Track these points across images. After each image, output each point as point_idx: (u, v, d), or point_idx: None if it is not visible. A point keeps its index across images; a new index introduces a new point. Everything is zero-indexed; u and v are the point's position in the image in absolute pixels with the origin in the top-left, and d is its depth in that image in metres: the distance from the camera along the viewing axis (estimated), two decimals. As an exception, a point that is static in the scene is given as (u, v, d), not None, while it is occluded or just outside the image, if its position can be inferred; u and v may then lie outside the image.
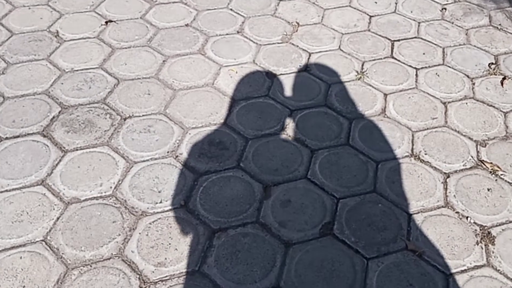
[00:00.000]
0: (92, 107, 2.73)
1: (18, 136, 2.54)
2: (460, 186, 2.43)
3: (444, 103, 2.89)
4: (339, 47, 3.29)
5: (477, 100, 2.92)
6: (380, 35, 3.43)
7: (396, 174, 2.46)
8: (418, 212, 2.30)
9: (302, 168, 2.46)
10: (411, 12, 3.67)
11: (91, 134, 2.57)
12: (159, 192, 2.32)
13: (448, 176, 2.47)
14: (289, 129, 2.66)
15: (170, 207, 2.26)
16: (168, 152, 2.51)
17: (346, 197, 2.34)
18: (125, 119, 2.67)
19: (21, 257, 2.05)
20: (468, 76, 3.10)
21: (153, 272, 2.04)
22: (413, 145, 2.62)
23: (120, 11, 3.48)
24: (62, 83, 2.87)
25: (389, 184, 2.41)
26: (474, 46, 3.36)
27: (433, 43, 3.38)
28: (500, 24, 3.58)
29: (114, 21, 3.40)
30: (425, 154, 2.57)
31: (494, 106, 2.89)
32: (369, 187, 2.39)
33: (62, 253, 2.07)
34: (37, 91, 2.81)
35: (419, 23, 3.58)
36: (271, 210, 2.27)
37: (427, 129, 2.72)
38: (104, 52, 3.13)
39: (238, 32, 3.38)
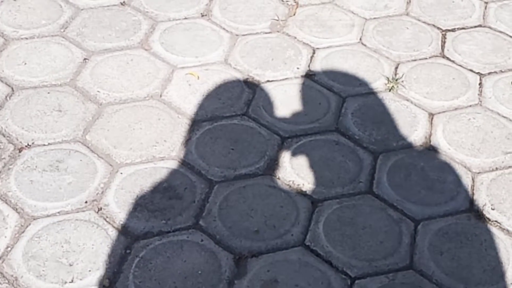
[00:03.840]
0: (-32, 130, 2.74)
1: None
2: (548, 260, 2.44)
3: (524, 129, 2.92)
4: (360, 39, 3.33)
5: None
6: (424, 22, 3.47)
7: (447, 241, 2.46)
8: (481, 302, 2.30)
9: (297, 230, 2.46)
10: (474, -14, 3.73)
11: (-34, 172, 2.58)
12: (71, 265, 2.31)
13: (528, 245, 2.49)
14: (279, 167, 2.68)
15: (86, 290, 2.25)
16: (86, 202, 2.50)
17: (366, 276, 2.34)
18: (20, 150, 2.67)
19: None
20: (561, 88, 3.14)
21: None
22: (474, 194, 2.63)
23: (19, -19, 3.52)
24: None
25: (434, 256, 2.41)
26: None
27: (507, 34, 3.42)
28: None
29: (9, -4, 3.43)
30: (492, 209, 2.58)
31: None
32: (402, 261, 2.39)
33: None
34: None
35: (486, 3, 3.62)
36: (247, 295, 2.27)
37: (496, 169, 2.74)
38: (-8, 44, 3.16)
39: (202, 15, 3.41)
